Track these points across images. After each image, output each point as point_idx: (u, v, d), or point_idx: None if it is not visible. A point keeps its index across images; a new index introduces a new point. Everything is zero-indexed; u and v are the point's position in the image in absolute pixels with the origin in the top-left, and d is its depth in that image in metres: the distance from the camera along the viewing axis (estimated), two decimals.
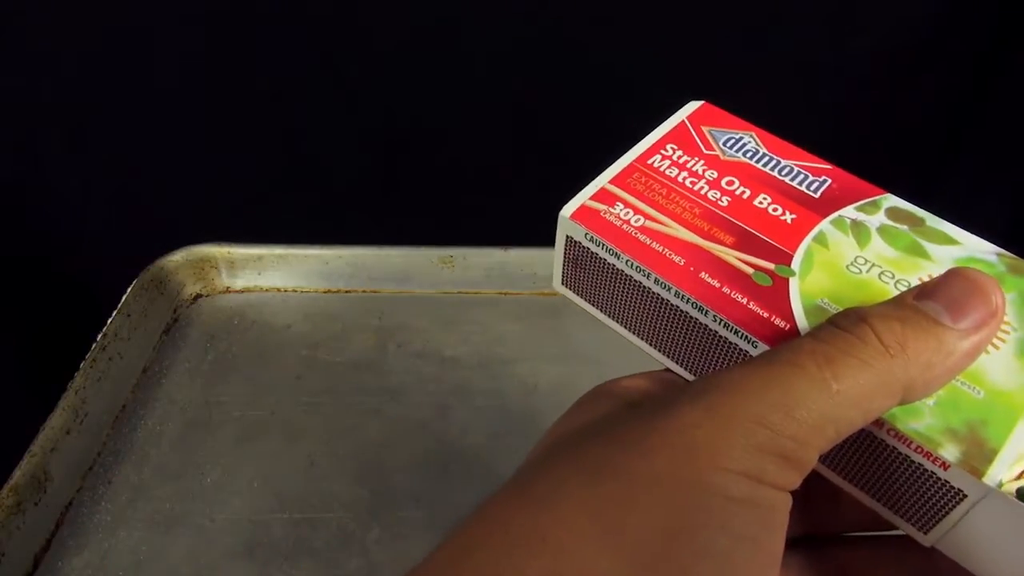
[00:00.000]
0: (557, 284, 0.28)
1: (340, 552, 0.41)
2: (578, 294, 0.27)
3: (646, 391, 0.23)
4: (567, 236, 0.26)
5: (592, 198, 0.26)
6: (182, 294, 0.56)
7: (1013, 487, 0.21)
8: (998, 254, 0.25)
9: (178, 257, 0.56)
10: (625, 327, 0.26)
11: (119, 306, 0.51)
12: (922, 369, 0.19)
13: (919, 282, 0.24)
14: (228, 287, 0.58)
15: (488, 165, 0.64)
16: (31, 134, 0.59)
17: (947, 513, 0.21)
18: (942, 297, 0.20)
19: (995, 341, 0.22)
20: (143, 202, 0.64)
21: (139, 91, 0.58)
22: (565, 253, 0.26)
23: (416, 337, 0.53)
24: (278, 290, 0.57)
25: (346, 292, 0.57)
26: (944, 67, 0.59)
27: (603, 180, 0.27)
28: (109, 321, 0.50)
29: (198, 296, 0.57)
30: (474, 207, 0.65)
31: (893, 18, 0.56)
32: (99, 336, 0.49)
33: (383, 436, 0.47)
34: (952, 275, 0.20)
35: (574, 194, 0.27)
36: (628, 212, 0.25)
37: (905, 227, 0.26)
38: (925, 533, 0.22)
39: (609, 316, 0.27)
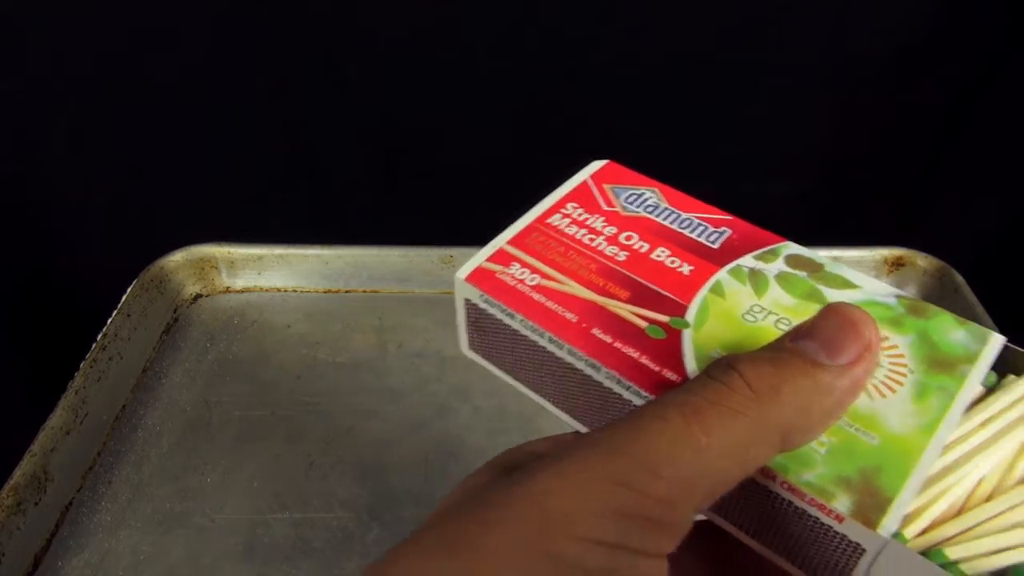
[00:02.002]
0: (464, 349, 0.27)
1: (340, 552, 0.41)
2: (484, 357, 0.27)
3: (538, 454, 0.22)
4: (465, 299, 0.26)
5: (489, 259, 0.26)
6: (182, 294, 0.56)
7: (916, 538, 0.20)
8: (897, 296, 0.25)
9: (178, 257, 0.56)
10: (530, 388, 0.26)
11: (119, 306, 0.51)
12: (799, 412, 0.18)
13: None
14: (228, 287, 0.58)
15: (488, 165, 0.64)
16: (31, 134, 0.59)
17: (852, 567, 0.20)
18: (817, 335, 0.19)
19: (891, 384, 0.22)
20: (143, 202, 0.64)
21: (139, 91, 0.58)
22: (466, 316, 0.26)
23: (416, 337, 0.53)
24: (278, 290, 0.57)
25: (346, 292, 0.57)
26: (944, 67, 0.59)
27: (501, 241, 0.27)
28: (109, 321, 0.50)
29: (198, 296, 0.57)
30: (474, 207, 0.65)
31: (893, 18, 0.56)
32: (99, 336, 0.49)
33: (383, 436, 0.47)
34: (826, 312, 0.20)
35: None
36: (524, 272, 0.25)
37: (804, 273, 0.26)
38: None
39: (515, 378, 0.26)
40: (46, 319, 0.64)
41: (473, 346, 0.27)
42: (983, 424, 0.22)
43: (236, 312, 0.55)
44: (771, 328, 0.23)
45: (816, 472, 0.20)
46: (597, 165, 0.30)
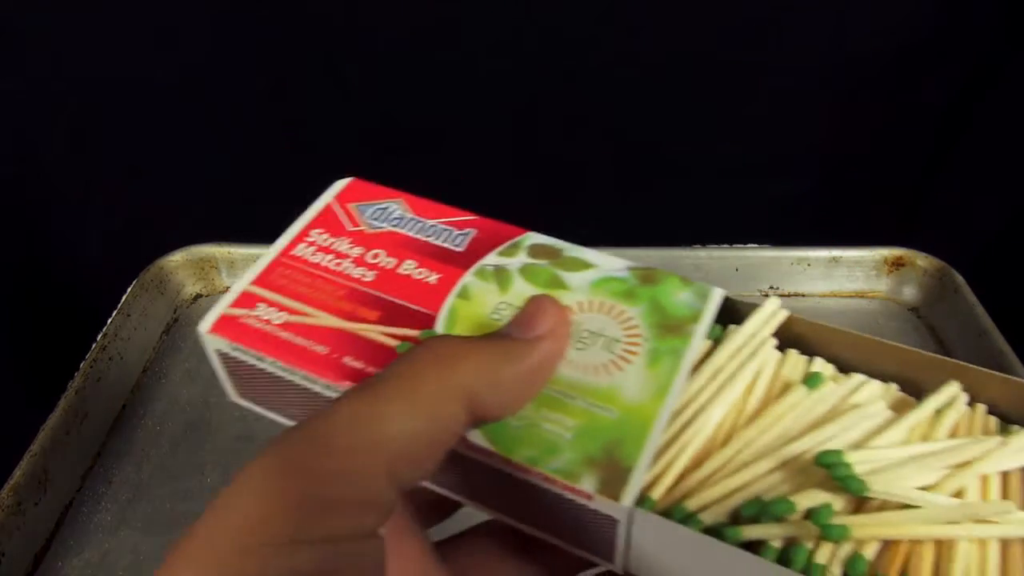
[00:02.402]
0: (235, 399, 0.27)
1: None
2: (256, 404, 0.26)
3: None
4: (215, 350, 0.25)
5: (232, 305, 0.25)
6: (182, 294, 0.56)
7: (664, 497, 0.21)
8: (629, 268, 0.26)
9: (178, 257, 0.56)
10: None
11: (119, 306, 0.51)
12: (486, 376, 0.19)
13: None
14: (228, 287, 0.57)
15: (488, 165, 0.64)
16: (31, 134, 0.59)
17: (614, 539, 0.21)
18: (515, 320, 0.21)
19: (628, 356, 0.23)
20: (143, 202, 0.64)
21: (139, 91, 0.58)
22: (223, 367, 0.25)
23: None
24: None
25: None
26: (944, 67, 0.59)
27: (244, 283, 0.26)
28: (109, 321, 0.50)
29: (198, 296, 0.57)
30: (474, 207, 0.65)
31: (893, 18, 0.56)
32: (99, 336, 0.49)
33: None
34: (527, 301, 0.22)
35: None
36: (270, 311, 0.24)
37: (545, 262, 0.26)
38: (611, 561, 0.22)
39: (289, 418, 0.26)
40: (46, 319, 0.64)
41: (241, 395, 0.26)
42: (712, 376, 0.23)
43: None
44: None
45: (564, 457, 0.21)
46: (340, 185, 0.30)
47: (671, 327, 0.24)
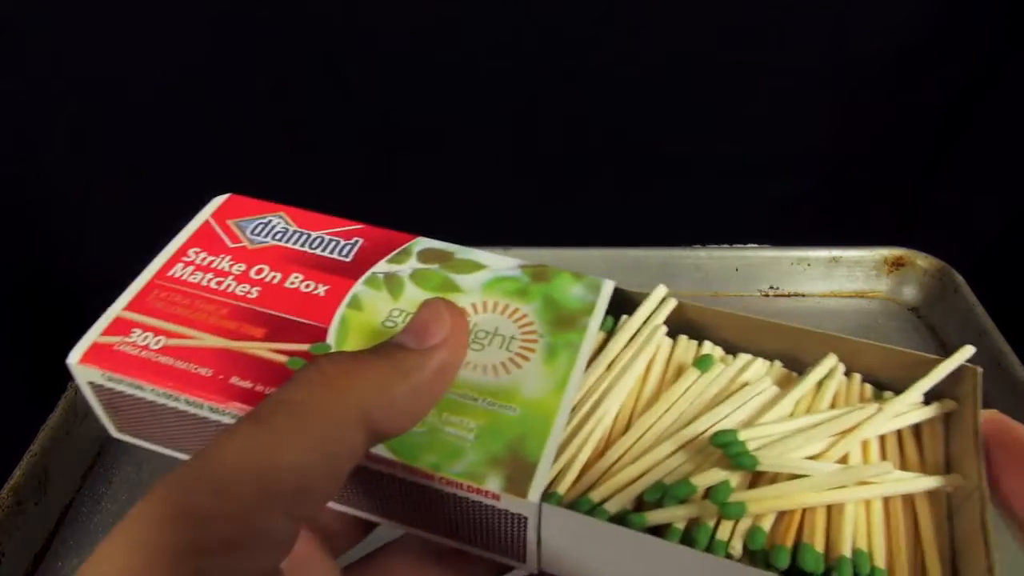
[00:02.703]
0: (114, 433, 0.26)
1: None
2: (135, 436, 0.25)
3: None
4: (88, 382, 0.23)
5: (104, 333, 0.23)
6: None
7: (569, 490, 0.21)
8: (521, 267, 0.26)
9: None
10: (191, 454, 0.25)
11: None
12: (379, 393, 0.18)
13: None
14: None
15: (488, 165, 0.64)
16: (31, 134, 0.59)
17: (525, 538, 0.21)
18: (410, 326, 0.20)
19: (525, 353, 0.23)
20: (143, 202, 0.64)
21: (139, 91, 0.58)
22: (97, 400, 0.24)
23: None
24: None
25: None
26: (944, 67, 0.59)
27: (116, 309, 0.24)
28: None
29: None
30: (474, 207, 0.65)
31: (893, 18, 0.56)
32: None
33: None
34: (419, 307, 0.20)
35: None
36: (147, 336, 0.23)
37: (435, 266, 0.26)
38: (524, 561, 0.22)
39: (175, 449, 0.25)
40: (46, 319, 0.64)
41: (120, 428, 0.25)
42: (608, 367, 0.24)
43: None
44: None
45: (467, 460, 0.20)
46: (217, 202, 0.29)
47: (565, 321, 0.24)
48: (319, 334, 0.23)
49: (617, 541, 0.20)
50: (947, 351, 0.53)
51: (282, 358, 0.23)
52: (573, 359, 0.23)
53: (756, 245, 0.57)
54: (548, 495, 0.21)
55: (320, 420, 0.17)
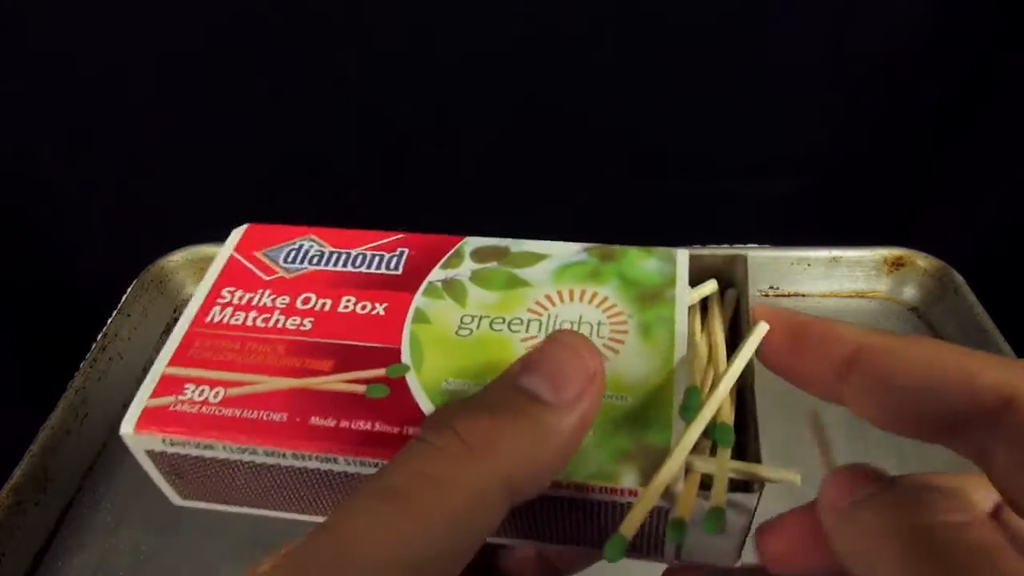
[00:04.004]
0: (177, 502, 0.24)
1: None
2: (205, 499, 0.23)
3: None
4: (146, 451, 0.22)
5: (153, 396, 0.22)
6: (182, 294, 0.56)
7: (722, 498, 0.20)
8: (586, 249, 0.25)
9: (178, 257, 0.56)
10: (274, 509, 0.23)
11: (119, 306, 0.51)
12: (524, 461, 0.17)
13: (529, 314, 0.23)
14: None
15: (488, 165, 0.64)
16: (31, 134, 0.59)
17: (662, 533, 0.20)
18: (543, 368, 0.18)
19: (618, 337, 0.22)
20: (143, 202, 0.64)
21: (139, 91, 0.58)
22: (157, 468, 0.22)
23: None
24: None
25: None
26: (944, 67, 0.59)
27: (160, 367, 0.22)
28: (109, 321, 0.50)
29: None
30: (474, 207, 0.65)
31: (893, 18, 0.56)
32: (99, 336, 0.49)
33: None
34: (550, 341, 0.18)
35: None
36: (203, 390, 0.21)
37: (494, 264, 0.24)
38: (662, 556, 0.21)
39: (252, 506, 0.23)
40: (46, 319, 0.64)
41: (186, 495, 0.23)
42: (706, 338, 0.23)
43: None
44: (489, 333, 0.22)
45: (595, 460, 0.19)
46: (237, 235, 0.27)
47: (650, 296, 0.23)
48: (392, 356, 0.22)
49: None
50: None
51: (359, 388, 0.21)
52: (671, 332, 0.22)
53: (756, 245, 0.57)
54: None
55: (466, 496, 0.16)
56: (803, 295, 0.56)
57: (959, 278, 0.53)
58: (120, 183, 0.63)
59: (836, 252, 0.56)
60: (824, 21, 0.56)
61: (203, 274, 0.57)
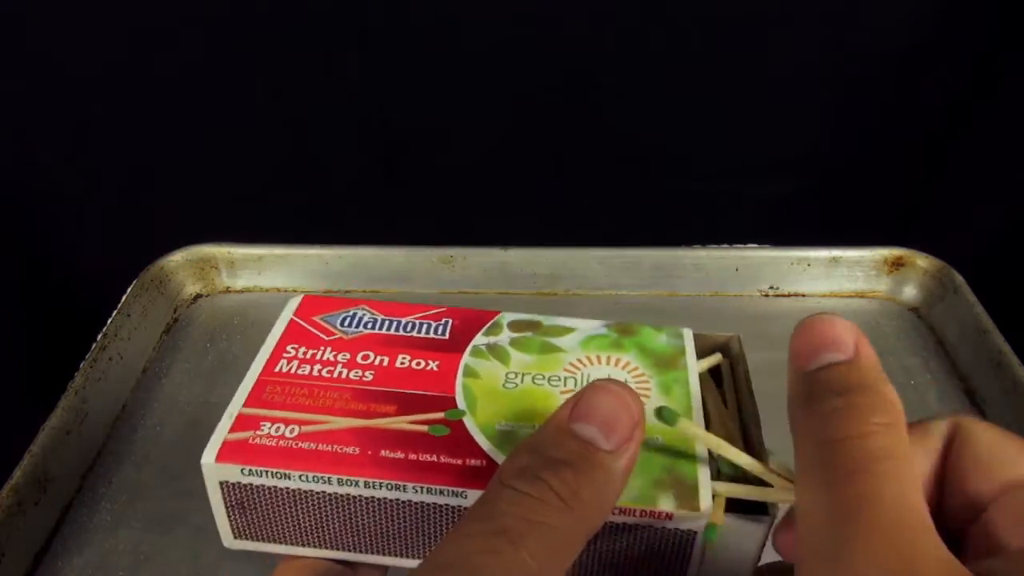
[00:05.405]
0: (229, 541, 0.26)
1: None
2: (259, 539, 0.25)
3: None
4: (221, 482, 0.24)
5: (232, 430, 0.24)
6: (182, 294, 0.56)
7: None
8: (606, 325, 0.29)
9: (178, 257, 0.56)
10: (328, 547, 0.25)
11: (119, 306, 0.51)
12: (600, 507, 0.19)
13: (565, 372, 0.26)
14: (228, 287, 0.58)
15: (488, 165, 0.64)
16: (31, 134, 0.59)
17: (690, 554, 0.23)
18: (594, 418, 0.20)
19: (644, 392, 0.26)
20: (143, 202, 0.64)
21: (139, 91, 0.58)
22: (226, 502, 0.24)
23: None
24: (278, 290, 0.57)
25: (346, 292, 0.57)
26: (944, 67, 0.59)
27: (236, 407, 0.25)
28: (109, 321, 0.50)
29: (198, 296, 0.57)
30: (474, 207, 0.65)
31: (893, 18, 0.56)
32: (99, 336, 0.49)
33: None
34: (594, 391, 0.20)
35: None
36: (279, 427, 0.24)
37: (529, 333, 0.28)
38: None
39: (303, 544, 0.25)
40: (46, 319, 0.64)
41: (240, 533, 0.25)
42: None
43: (236, 312, 0.55)
44: (532, 386, 0.26)
45: (637, 486, 0.22)
46: (294, 304, 0.29)
47: (666, 363, 0.27)
48: (448, 403, 0.25)
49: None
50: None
51: (423, 427, 0.24)
52: (687, 392, 0.26)
53: (756, 245, 0.57)
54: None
55: (563, 540, 0.18)
56: (803, 295, 0.56)
57: (959, 278, 0.53)
58: (120, 183, 0.63)
59: (836, 252, 0.56)
60: (824, 21, 0.56)
61: (203, 274, 0.57)
